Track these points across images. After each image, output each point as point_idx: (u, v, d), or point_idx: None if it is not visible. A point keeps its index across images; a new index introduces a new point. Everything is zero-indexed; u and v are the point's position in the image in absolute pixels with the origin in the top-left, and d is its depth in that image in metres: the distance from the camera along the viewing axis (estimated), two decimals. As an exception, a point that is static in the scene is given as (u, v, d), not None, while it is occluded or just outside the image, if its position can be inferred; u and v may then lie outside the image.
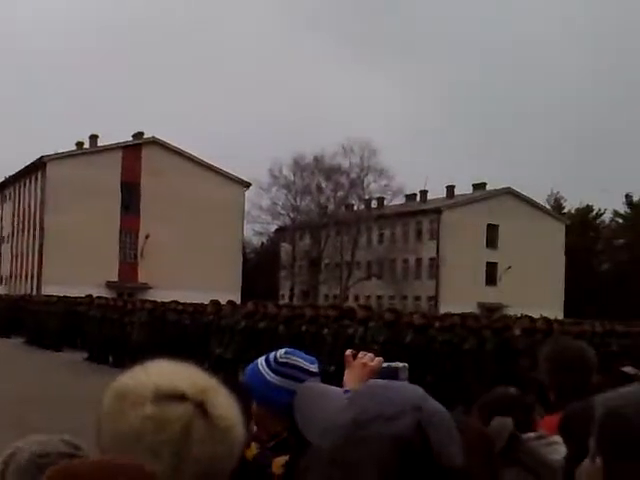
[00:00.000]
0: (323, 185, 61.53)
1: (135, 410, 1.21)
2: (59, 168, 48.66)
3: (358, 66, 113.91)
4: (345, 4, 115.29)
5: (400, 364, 1.87)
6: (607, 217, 75.15)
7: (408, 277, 60.64)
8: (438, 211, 59.56)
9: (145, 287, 48.18)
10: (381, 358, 1.94)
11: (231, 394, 1.29)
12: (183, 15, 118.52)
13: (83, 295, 27.16)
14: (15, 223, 56.67)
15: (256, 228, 65.16)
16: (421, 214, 61.47)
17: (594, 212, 74.55)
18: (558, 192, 75.09)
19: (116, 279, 49.49)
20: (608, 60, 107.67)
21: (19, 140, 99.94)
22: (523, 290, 54.36)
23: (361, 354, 1.98)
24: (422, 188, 65.67)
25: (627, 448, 1.18)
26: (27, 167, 53.67)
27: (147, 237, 49.84)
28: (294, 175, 61.31)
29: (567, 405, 2.31)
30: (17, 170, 55.99)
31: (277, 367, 2.36)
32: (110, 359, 21.53)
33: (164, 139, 52.35)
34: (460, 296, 51.93)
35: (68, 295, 28.95)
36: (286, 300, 55.73)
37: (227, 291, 36.79)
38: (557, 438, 2.44)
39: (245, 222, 56.70)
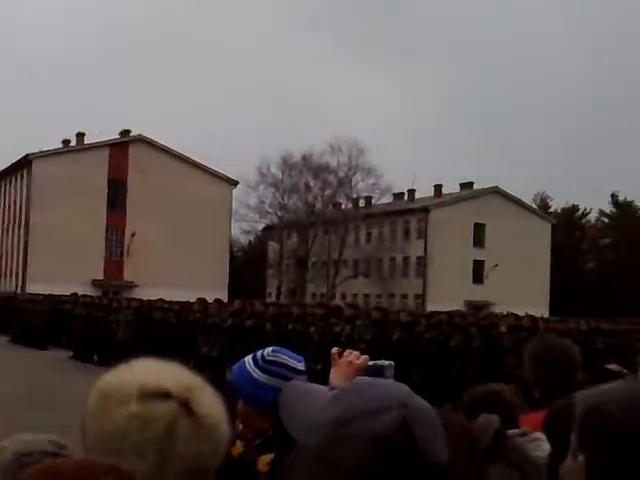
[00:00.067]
0: (311, 184, 61.56)
1: (120, 408, 1.21)
2: (45, 166, 48.42)
3: (358, 66, 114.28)
4: (345, 4, 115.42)
5: (386, 362, 1.87)
6: (593, 216, 75.73)
7: (395, 275, 60.74)
8: (426, 210, 59.70)
9: (131, 285, 48.01)
10: (367, 356, 1.94)
11: (216, 392, 1.29)
12: (183, 15, 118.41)
13: (68, 293, 27.03)
14: (0, 221, 56.35)
15: (243, 226, 65.16)
16: (409, 213, 61.59)
17: (580, 212, 75.00)
18: (544, 191, 75.58)
19: (102, 277, 49.29)
20: (607, 60, 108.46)
21: (4, 138, 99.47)
22: (509, 288, 54.59)
23: (347, 352, 1.98)
24: (410, 187, 65.88)
25: (609, 444, 1.19)
26: (13, 165, 53.36)
27: (133, 235, 49.64)
28: (282, 173, 61.33)
29: (551, 402, 2.32)
30: (3, 168, 55.66)
31: (264, 365, 2.37)
32: (95, 358, 21.45)
33: (153, 137, 52.22)
34: (447, 294, 52.07)
35: (53, 293, 28.82)
36: (273, 298, 55.67)
37: (214, 289, 36.74)
38: (540, 435, 2.45)
39: (233, 220, 56.71)
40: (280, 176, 61.33)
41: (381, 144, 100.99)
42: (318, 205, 61.81)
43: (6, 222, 54.94)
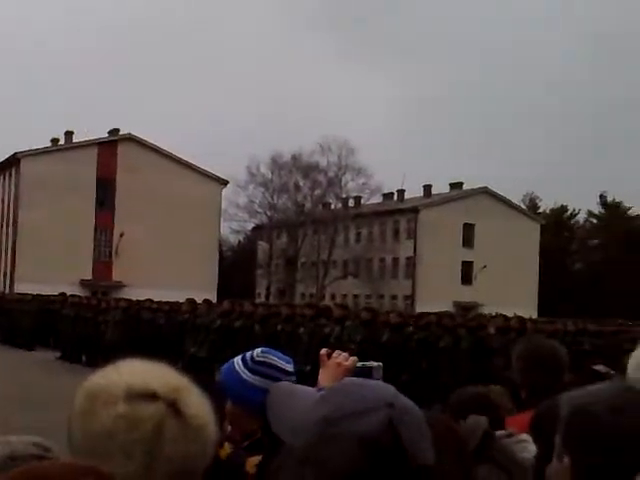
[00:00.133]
0: (301, 183, 61.53)
1: (107, 409, 1.21)
2: (33, 164, 48.18)
3: (348, 66, 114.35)
4: (345, 4, 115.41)
5: (374, 363, 1.87)
6: (581, 217, 76.02)
7: (385, 276, 60.80)
8: (415, 210, 59.79)
9: (119, 285, 47.83)
10: (355, 357, 1.95)
11: (204, 393, 1.29)
12: (183, 15, 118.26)
13: (57, 293, 26.90)
14: (-12, 220, 56.06)
15: (233, 226, 65.07)
16: (398, 213, 61.66)
17: (569, 212, 75.28)
18: (533, 192, 75.83)
19: (90, 277, 49.09)
20: (603, 60, 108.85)
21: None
22: (498, 289, 54.74)
23: (336, 353, 1.98)
24: (399, 187, 65.97)
25: (595, 445, 1.20)
26: (1, 163, 53.06)
27: (122, 235, 49.46)
28: (272, 173, 61.29)
29: (538, 403, 2.33)
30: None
31: (253, 366, 2.37)
32: (83, 358, 21.36)
33: (143, 136, 52.06)
34: (436, 295, 52.16)
35: (41, 293, 28.67)
36: (262, 299, 55.63)
37: (203, 289, 36.67)
38: (526, 436, 2.46)
39: (222, 220, 56.59)
40: (270, 176, 61.37)
41: (371, 144, 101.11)
42: (308, 205, 61.81)
43: (-6, 221, 54.67)
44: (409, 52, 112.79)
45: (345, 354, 1.97)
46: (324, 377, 1.90)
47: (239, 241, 76.82)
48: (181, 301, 19.29)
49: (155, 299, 21.47)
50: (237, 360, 2.42)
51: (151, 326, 19.57)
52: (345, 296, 59.41)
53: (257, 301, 34.46)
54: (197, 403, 1.26)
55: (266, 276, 63.29)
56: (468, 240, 60.31)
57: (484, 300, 52.44)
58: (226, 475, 2.19)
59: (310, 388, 1.31)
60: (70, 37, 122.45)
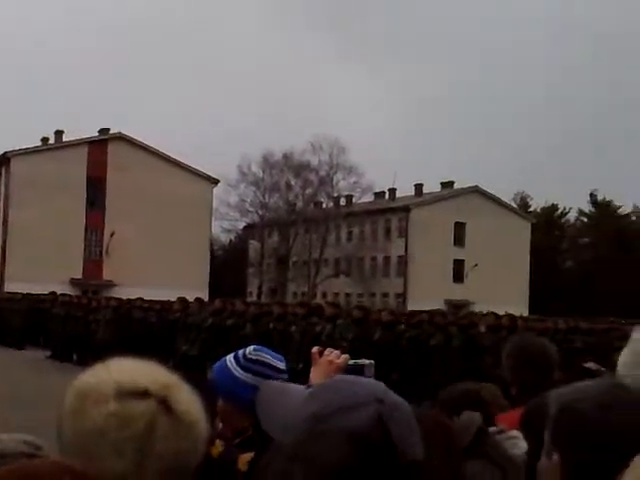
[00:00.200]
0: (292, 182, 61.52)
1: (98, 408, 1.21)
2: (23, 164, 47.98)
3: (339, 65, 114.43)
4: (345, 4, 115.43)
5: (366, 361, 1.87)
6: (572, 216, 76.29)
7: (376, 275, 60.87)
8: (407, 209, 59.87)
9: (110, 284, 47.70)
10: (347, 355, 1.95)
11: (195, 390, 1.29)
12: (182, 15, 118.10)
13: (47, 292, 26.81)
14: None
15: (224, 225, 64.98)
16: (390, 212, 61.72)
17: (559, 211, 75.53)
18: (524, 191, 76.06)
19: (80, 276, 48.94)
20: (600, 60, 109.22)
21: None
22: (489, 287, 54.88)
23: (327, 351, 1.98)
24: (391, 186, 66.04)
25: (584, 442, 1.21)
26: (-10, 162, 52.88)
27: (112, 234, 49.32)
28: (263, 172, 61.24)
29: (528, 401, 2.34)
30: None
31: (246, 363, 2.38)
32: (74, 357, 21.30)
33: (134, 135, 51.93)
34: (428, 293, 52.27)
35: (31, 292, 28.57)
36: (254, 298, 55.59)
37: (195, 288, 36.61)
38: (517, 433, 2.47)
39: (213, 219, 56.47)
40: (261, 175, 61.33)
41: (363, 143, 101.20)
42: (299, 204, 61.81)
43: (-16, 220, 54.40)
44: (404, 51, 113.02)
45: (337, 352, 1.97)
46: (316, 375, 1.90)
47: (230, 240, 76.82)
48: (172, 300, 19.26)
49: (146, 298, 21.43)
50: (229, 358, 2.43)
51: (142, 325, 19.53)
52: (337, 294, 59.43)
53: (249, 300, 34.46)
54: (188, 400, 1.26)
55: (258, 275, 63.26)
56: (459, 239, 60.45)
57: (475, 298, 52.58)
58: (218, 473, 2.19)
59: (300, 386, 1.31)
60: (69, 37, 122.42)
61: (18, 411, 11.18)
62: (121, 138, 51.51)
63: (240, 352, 2.43)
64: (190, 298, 18.32)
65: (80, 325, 21.66)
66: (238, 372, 2.37)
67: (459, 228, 60.47)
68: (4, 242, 48.44)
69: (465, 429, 2.30)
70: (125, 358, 1.30)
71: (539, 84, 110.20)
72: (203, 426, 1.27)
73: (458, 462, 1.90)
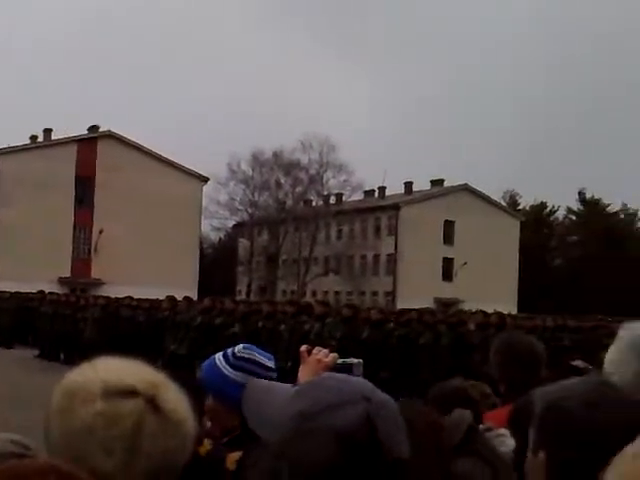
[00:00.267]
0: (282, 180, 61.50)
1: (86, 407, 1.21)
2: (12, 162, 47.71)
3: (330, 64, 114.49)
4: (343, 3, 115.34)
5: (355, 360, 1.88)
6: (561, 214, 76.57)
7: (366, 273, 60.93)
8: (396, 207, 59.93)
9: (98, 283, 47.54)
10: (336, 354, 1.95)
11: (182, 389, 1.29)
12: (175, 14, 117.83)
13: (35, 291, 26.70)
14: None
15: (214, 223, 64.89)
16: (379, 210, 61.77)
17: (548, 209, 75.78)
18: (513, 189, 76.29)
19: (69, 275, 48.75)
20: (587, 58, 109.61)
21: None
22: (478, 285, 55.03)
23: (316, 350, 1.99)
24: (380, 184, 66.11)
25: (570, 440, 1.21)
26: (-22, 160, 52.55)
27: (101, 232, 49.14)
28: (253, 170, 61.17)
29: (516, 398, 2.35)
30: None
31: (235, 362, 2.38)
32: (61, 356, 21.21)
33: (121, 133, 51.75)
34: (417, 291, 52.36)
35: (20, 291, 28.45)
36: (243, 296, 55.53)
37: (184, 287, 36.51)
38: (504, 431, 2.48)
39: (203, 217, 56.36)
40: (250, 173, 61.26)
41: (352, 142, 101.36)
42: (289, 202, 61.79)
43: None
44: (394, 50, 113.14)
45: (325, 350, 1.97)
46: (304, 374, 1.90)
47: (220, 238, 76.68)
48: (161, 299, 19.21)
49: (135, 296, 21.38)
50: (218, 356, 2.44)
51: (131, 324, 19.47)
52: (326, 293, 59.45)
53: (238, 298, 34.42)
54: (175, 399, 1.26)
55: (247, 273, 63.20)
56: (449, 237, 60.59)
57: (464, 296, 52.70)
58: (206, 471, 2.19)
59: (287, 385, 1.31)
60: (70, 36, 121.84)
61: (5, 410, 11.12)
62: (110, 136, 51.32)
63: (229, 350, 2.43)
64: (179, 297, 18.27)
65: (68, 324, 21.57)
66: (227, 370, 2.37)
67: (448, 226, 60.60)
68: (-8, 240, 48.17)
69: (456, 427, 2.31)
70: (112, 357, 1.30)
71: (526, 83, 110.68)
72: (191, 425, 1.27)
73: (448, 461, 1.91)
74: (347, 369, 1.81)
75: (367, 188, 64.30)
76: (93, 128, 52.33)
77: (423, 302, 32.34)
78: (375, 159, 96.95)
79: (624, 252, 65.86)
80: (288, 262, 61.66)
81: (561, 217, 76.62)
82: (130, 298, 21.05)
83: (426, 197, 61.57)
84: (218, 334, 14.82)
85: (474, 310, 19.59)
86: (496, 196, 67.78)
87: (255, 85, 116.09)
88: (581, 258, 68.96)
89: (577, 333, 17.11)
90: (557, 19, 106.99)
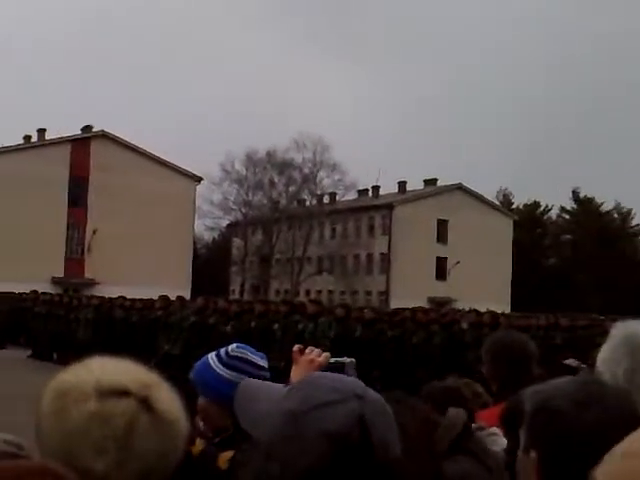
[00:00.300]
0: (275, 180, 61.46)
1: (78, 407, 1.21)
2: (5, 162, 47.56)
3: (324, 63, 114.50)
4: (343, 3, 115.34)
5: (347, 359, 1.88)
6: (554, 213, 76.71)
7: (359, 272, 60.94)
8: (390, 206, 59.96)
9: (92, 283, 47.45)
10: (328, 354, 1.95)
11: (175, 389, 1.29)
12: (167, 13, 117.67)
13: (28, 291, 26.61)
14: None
15: (207, 223, 64.78)
16: (373, 209, 61.80)
17: (542, 208, 75.92)
18: (507, 188, 76.41)
19: (62, 275, 48.63)
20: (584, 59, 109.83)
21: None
22: (472, 284, 55.10)
23: (309, 350, 1.99)
24: (374, 183, 66.14)
25: (561, 439, 1.21)
26: (-29, 160, 52.36)
27: (94, 232, 49.04)
28: (246, 170, 61.12)
29: (508, 397, 2.36)
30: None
31: (228, 361, 2.39)
32: (54, 356, 21.15)
33: (115, 133, 51.66)
34: (410, 291, 52.40)
35: (13, 291, 28.36)
36: (237, 295, 55.48)
37: (177, 287, 36.47)
38: (496, 430, 2.49)
39: (196, 217, 56.30)
40: (244, 172, 61.20)
41: (346, 141, 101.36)
42: (282, 202, 61.76)
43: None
44: (388, 50, 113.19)
45: (318, 350, 1.97)
46: (296, 374, 1.90)
47: (213, 238, 76.59)
48: (155, 298, 19.17)
49: (128, 296, 21.32)
50: (211, 355, 2.45)
51: (124, 324, 19.42)
52: (320, 292, 59.45)
53: (231, 298, 34.37)
54: (168, 398, 1.27)
55: (240, 273, 63.14)
56: (442, 236, 60.65)
57: (458, 295, 52.75)
58: (198, 471, 2.19)
59: (278, 384, 1.31)
60: (69, 36, 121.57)
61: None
62: (104, 136, 51.22)
63: (222, 350, 2.44)
64: (173, 296, 18.24)
65: (61, 324, 21.51)
66: (220, 369, 2.38)
67: (442, 225, 60.67)
68: (-15, 240, 48.01)
69: (452, 425, 2.31)
70: (105, 357, 1.30)
71: (525, 83, 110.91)
72: (183, 425, 1.28)
73: (440, 461, 1.91)
74: (339, 368, 1.81)
75: (361, 187, 64.36)
76: (87, 128, 52.22)
77: (417, 301, 32.37)
78: (369, 159, 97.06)
79: (617, 251, 66.08)
80: (282, 261, 61.63)
81: (554, 216, 76.84)
82: (123, 298, 20.99)
83: (420, 196, 61.63)
84: (212, 334, 14.80)
85: (467, 309, 19.61)
86: (489, 195, 68.02)
87: (255, 85, 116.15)
88: (574, 257, 69.16)
89: (570, 332, 17.12)
90: (557, 19, 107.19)
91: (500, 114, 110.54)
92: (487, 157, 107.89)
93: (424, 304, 35.48)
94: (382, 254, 59.80)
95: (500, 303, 44.64)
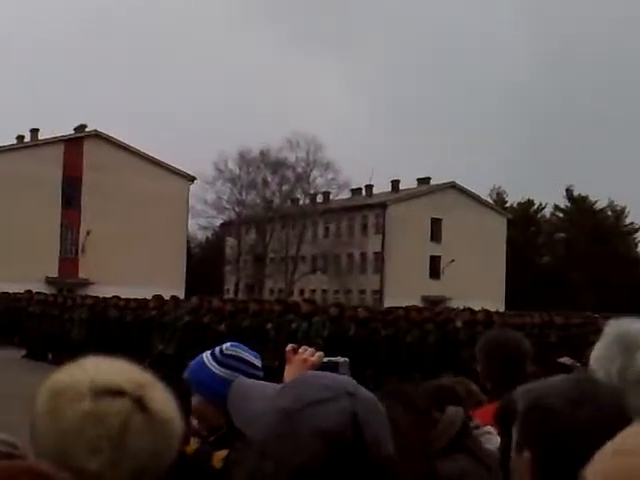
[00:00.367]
0: (269, 179, 61.44)
1: (73, 406, 1.21)
2: (-2, 161, 47.46)
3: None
4: (341, 2, 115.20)
5: (341, 359, 1.88)
6: (548, 211, 76.83)
7: (353, 271, 60.98)
8: (383, 205, 59.99)
9: (86, 283, 47.35)
10: (321, 353, 1.95)
11: (169, 389, 1.30)
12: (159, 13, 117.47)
13: (22, 291, 26.56)
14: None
15: (201, 222, 64.68)
16: (367, 208, 61.83)
17: (535, 206, 76.03)
18: (500, 186, 76.50)
19: (56, 275, 48.53)
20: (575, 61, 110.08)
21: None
22: (466, 283, 55.16)
23: (302, 349, 1.99)
24: (368, 182, 66.17)
25: (554, 438, 1.22)
26: (-36, 160, 52.16)
27: (88, 233, 48.96)
28: (239, 169, 61.08)
29: (502, 395, 2.36)
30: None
31: (223, 359, 2.39)
32: (49, 356, 21.12)
33: (108, 132, 51.55)
34: (404, 290, 52.44)
35: (7, 291, 28.30)
36: (231, 295, 55.45)
37: (171, 286, 36.38)
38: (490, 428, 2.49)
39: (190, 216, 56.24)
40: (237, 172, 61.15)
41: (339, 140, 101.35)
42: (276, 201, 61.74)
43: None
44: (383, 49, 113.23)
45: (311, 349, 1.97)
46: (289, 373, 1.90)
47: (207, 237, 76.49)
48: (149, 298, 19.15)
49: (122, 296, 21.29)
50: (206, 354, 2.46)
51: (118, 323, 19.40)
52: (314, 291, 59.47)
53: (225, 297, 34.35)
54: (162, 398, 1.27)
55: (235, 272, 63.10)
56: (436, 235, 60.71)
57: (452, 294, 52.82)
58: (192, 470, 2.19)
59: (272, 383, 1.31)
60: (69, 36, 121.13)
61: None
62: (97, 136, 51.12)
63: (217, 349, 2.46)
64: (167, 296, 18.22)
65: (56, 324, 21.48)
66: (215, 368, 2.38)
67: (436, 224, 60.73)
68: (-22, 241, 47.86)
69: (451, 423, 2.32)
70: (99, 357, 1.30)
71: (514, 81, 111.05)
72: (178, 424, 1.28)
73: (433, 459, 1.91)
74: (332, 368, 1.81)
75: (354, 186, 64.38)
76: (80, 128, 52.09)
77: (411, 300, 32.42)
78: (362, 158, 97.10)
79: (611, 249, 66.25)
80: (275, 261, 61.62)
81: (548, 214, 76.97)
82: (117, 298, 20.97)
83: (413, 195, 61.68)
84: (206, 333, 14.79)
85: (461, 308, 19.64)
86: (483, 194, 68.11)
87: (255, 85, 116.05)
88: (568, 255, 69.30)
89: (564, 330, 17.15)
90: (557, 19, 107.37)
91: (493, 113, 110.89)
92: (480, 156, 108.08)
93: (418, 303, 35.53)
94: (376, 253, 59.83)
95: (494, 301, 44.72)
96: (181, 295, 27.13)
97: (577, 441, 1.18)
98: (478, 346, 3.28)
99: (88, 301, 21.79)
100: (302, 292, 57.85)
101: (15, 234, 45.22)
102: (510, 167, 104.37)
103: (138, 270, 46.30)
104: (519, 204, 74.74)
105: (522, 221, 70.29)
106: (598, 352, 2.03)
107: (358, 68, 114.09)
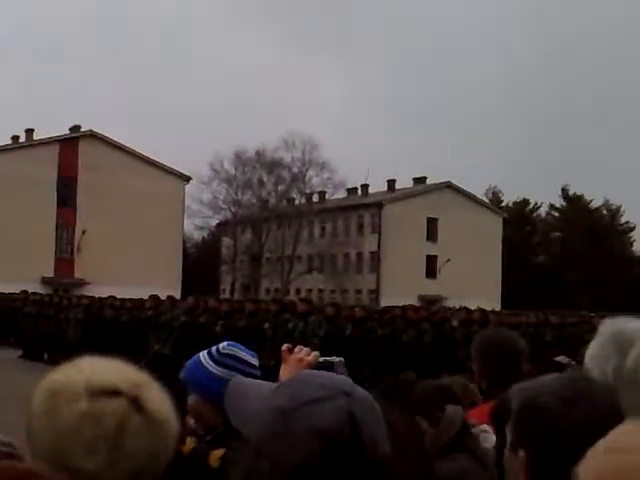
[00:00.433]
0: (265, 179, 61.43)
1: (69, 407, 1.21)
2: (-7, 161, 47.37)
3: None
4: (341, 2, 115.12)
5: (336, 358, 1.88)
6: (543, 210, 76.91)
7: (349, 271, 60.98)
8: (379, 205, 60.01)
9: (82, 283, 47.29)
10: (317, 353, 1.96)
11: (165, 389, 1.30)
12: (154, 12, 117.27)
13: (18, 291, 26.50)
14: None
15: (197, 222, 64.67)
16: (362, 208, 61.84)
17: (531, 205, 76.11)
18: (496, 186, 76.57)
19: (52, 275, 48.45)
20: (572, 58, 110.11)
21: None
22: (462, 282, 55.20)
23: (297, 349, 1.99)
24: (363, 182, 66.17)
25: (548, 437, 1.22)
26: (-41, 160, 52.03)
27: (84, 232, 48.88)
28: (235, 169, 61.05)
29: (498, 394, 2.37)
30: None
31: (219, 358, 2.40)
32: (45, 356, 21.09)
33: (103, 133, 51.47)
34: (401, 289, 52.46)
35: (3, 291, 28.24)
36: (227, 294, 55.41)
37: (167, 286, 36.37)
38: (487, 427, 2.50)
39: (186, 216, 56.20)
40: (233, 172, 61.13)
41: (335, 140, 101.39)
42: (272, 200, 61.73)
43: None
44: (380, 49, 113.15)
45: (307, 349, 1.98)
46: (285, 373, 1.90)
47: (203, 237, 76.42)
48: (145, 298, 19.12)
49: (118, 296, 21.26)
50: (203, 354, 2.46)
51: (114, 323, 19.38)
52: (310, 291, 59.47)
53: (222, 297, 34.34)
54: (159, 398, 1.27)
55: (231, 272, 63.06)
56: (432, 234, 60.74)
57: (448, 293, 52.86)
58: (189, 469, 2.19)
59: (269, 382, 1.32)
60: (68, 36, 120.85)
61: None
62: (92, 136, 51.04)
63: (214, 348, 2.46)
64: (163, 296, 18.20)
65: (52, 324, 21.45)
66: (212, 367, 2.39)
67: (431, 223, 60.77)
68: (-26, 241, 47.75)
69: (451, 422, 2.33)
70: (95, 357, 1.30)
71: (508, 81, 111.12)
72: (174, 424, 1.28)
73: (431, 459, 1.92)
74: (328, 367, 1.82)
75: (350, 186, 64.42)
76: (75, 128, 52.01)
77: (407, 299, 32.42)
78: (358, 157, 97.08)
79: (606, 248, 66.36)
80: (272, 260, 61.59)
81: (544, 214, 77.05)
82: (113, 298, 20.94)
83: (409, 195, 61.70)
84: (202, 333, 14.78)
85: (457, 307, 19.65)
86: (479, 193, 68.20)
87: (254, 85, 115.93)
88: (564, 254, 69.39)
89: (560, 329, 17.16)
90: (557, 19, 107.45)
91: (493, 113, 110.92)
92: (476, 155, 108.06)
93: (414, 302, 35.53)
94: (372, 253, 59.84)
95: (490, 301, 44.73)
96: (177, 295, 27.10)
97: (571, 439, 1.19)
98: (474, 345, 3.29)
99: (84, 301, 21.75)
100: (298, 292, 57.83)
101: (10, 234, 45.13)
102: (510, 167, 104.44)
103: (134, 270, 46.25)
104: (515, 203, 74.80)
105: (518, 220, 70.38)
106: (593, 351, 2.04)
107: (358, 68, 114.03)
